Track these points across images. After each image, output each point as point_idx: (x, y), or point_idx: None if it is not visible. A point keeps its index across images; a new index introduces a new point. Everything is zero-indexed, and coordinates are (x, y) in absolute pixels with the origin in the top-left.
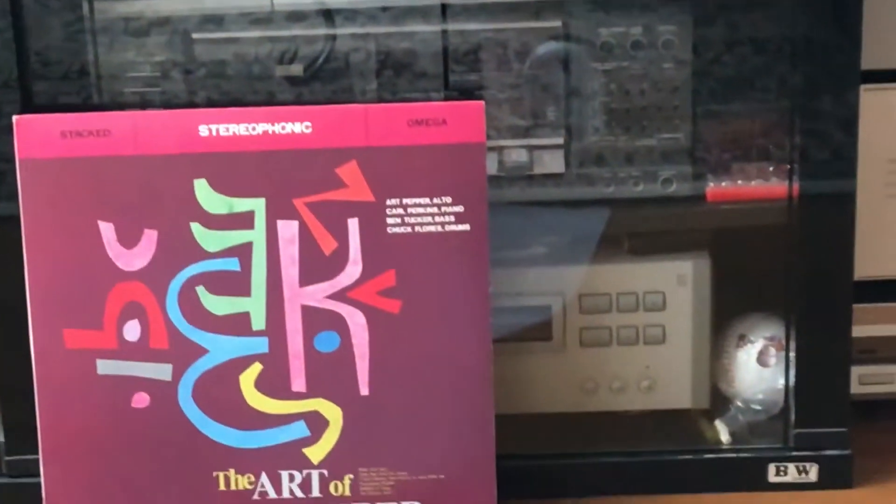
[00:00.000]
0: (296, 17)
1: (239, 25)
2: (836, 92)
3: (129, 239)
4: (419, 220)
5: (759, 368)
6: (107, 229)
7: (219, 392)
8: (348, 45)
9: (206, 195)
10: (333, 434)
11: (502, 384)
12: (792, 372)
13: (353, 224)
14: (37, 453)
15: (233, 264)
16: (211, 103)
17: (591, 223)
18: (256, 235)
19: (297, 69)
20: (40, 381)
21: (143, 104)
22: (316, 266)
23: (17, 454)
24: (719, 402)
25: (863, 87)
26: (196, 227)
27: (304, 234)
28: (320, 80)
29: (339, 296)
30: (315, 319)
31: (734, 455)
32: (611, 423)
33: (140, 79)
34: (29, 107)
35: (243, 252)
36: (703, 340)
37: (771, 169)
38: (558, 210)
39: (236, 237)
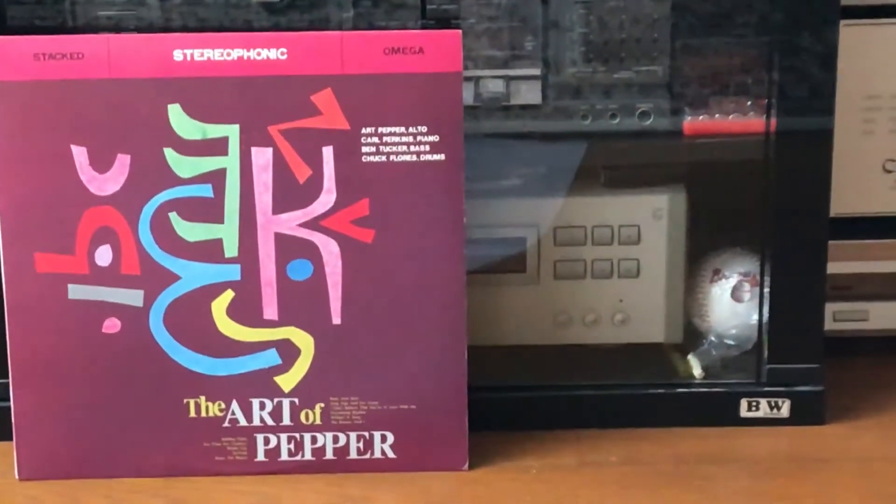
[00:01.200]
0: None
1: None
2: (815, 28)
3: (101, 163)
4: (394, 149)
5: (733, 303)
6: (79, 153)
7: (190, 319)
8: None
9: (180, 120)
10: (305, 362)
11: (475, 316)
12: (766, 307)
13: (327, 152)
14: (6, 377)
15: (206, 191)
16: (187, 30)
17: (567, 155)
18: (230, 162)
19: None
20: (10, 305)
21: (118, 30)
22: (290, 194)
23: None
24: (693, 336)
25: (841, 22)
26: (169, 153)
27: (278, 162)
28: (297, 9)
29: (313, 224)
30: (288, 247)
31: (707, 390)
32: (584, 357)
33: (115, 4)
34: (2, 31)
35: (217, 178)
36: (678, 275)
37: (749, 104)
38: (534, 142)
39: (210, 163)
